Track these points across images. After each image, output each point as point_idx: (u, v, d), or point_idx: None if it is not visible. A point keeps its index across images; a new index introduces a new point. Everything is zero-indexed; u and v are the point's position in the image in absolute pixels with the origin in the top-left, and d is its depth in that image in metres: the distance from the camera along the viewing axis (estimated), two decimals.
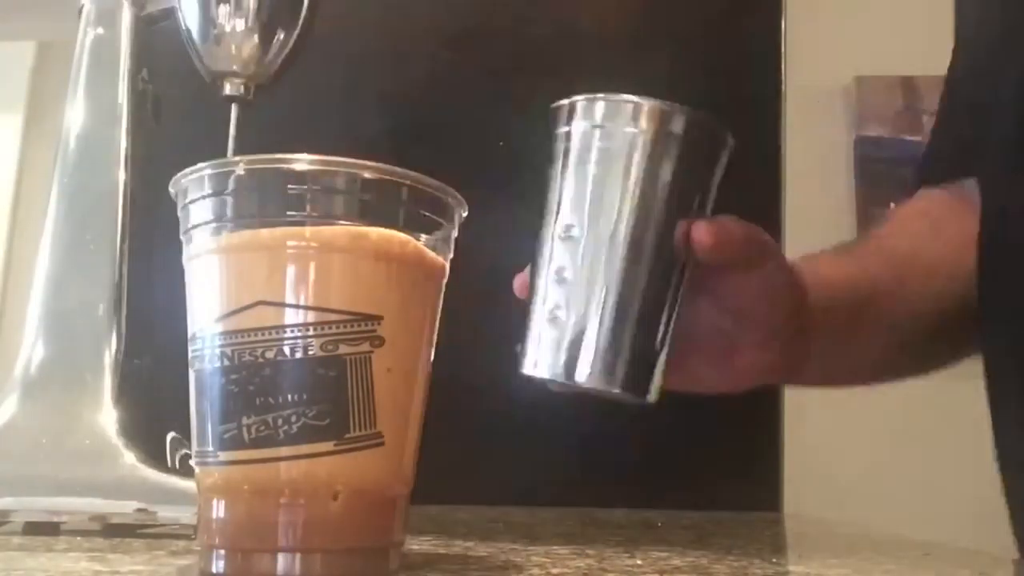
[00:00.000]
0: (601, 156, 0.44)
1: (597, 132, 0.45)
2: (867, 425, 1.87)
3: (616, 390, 0.45)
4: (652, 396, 0.47)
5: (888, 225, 0.67)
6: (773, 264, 0.49)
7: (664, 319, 0.45)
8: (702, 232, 0.45)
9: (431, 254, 0.37)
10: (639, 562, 0.43)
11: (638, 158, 0.44)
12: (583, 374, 0.43)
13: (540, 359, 0.44)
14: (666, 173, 0.44)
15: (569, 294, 0.44)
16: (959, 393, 2.00)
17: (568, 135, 0.45)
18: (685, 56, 0.96)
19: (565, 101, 0.46)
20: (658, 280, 0.45)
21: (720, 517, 0.75)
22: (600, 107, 0.45)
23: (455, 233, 0.39)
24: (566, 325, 0.43)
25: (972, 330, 0.62)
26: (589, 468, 0.87)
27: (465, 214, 0.39)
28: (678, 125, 0.45)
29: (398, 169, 0.36)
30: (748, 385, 0.52)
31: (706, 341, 0.50)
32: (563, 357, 0.43)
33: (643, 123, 0.44)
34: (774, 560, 0.49)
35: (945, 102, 0.69)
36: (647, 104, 0.44)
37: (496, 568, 0.40)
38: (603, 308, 0.44)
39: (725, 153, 0.47)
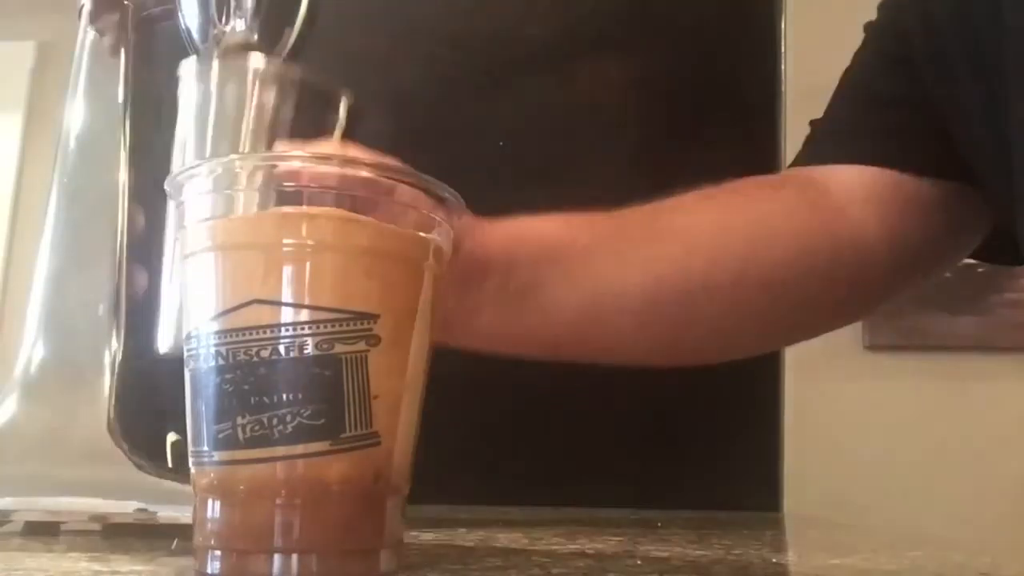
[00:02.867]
0: None
1: None
2: (867, 425, 1.86)
3: None
4: None
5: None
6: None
7: None
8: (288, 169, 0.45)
9: (428, 252, 0.37)
10: (639, 562, 0.43)
11: None
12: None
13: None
14: None
15: None
16: (959, 393, 2.00)
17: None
18: (684, 56, 0.96)
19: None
20: None
21: (720, 517, 0.75)
22: None
23: (453, 232, 0.39)
24: None
25: (751, 317, 0.56)
26: (589, 468, 0.87)
27: (463, 213, 0.39)
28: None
29: (395, 167, 0.36)
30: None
31: None
32: None
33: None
34: (774, 560, 0.49)
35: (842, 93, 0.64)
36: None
37: (496, 568, 0.40)
38: None
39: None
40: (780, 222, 0.57)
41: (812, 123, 0.64)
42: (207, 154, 0.49)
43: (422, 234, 0.36)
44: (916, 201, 0.58)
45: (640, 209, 0.57)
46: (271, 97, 0.49)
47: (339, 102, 0.51)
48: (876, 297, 0.64)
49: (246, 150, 0.48)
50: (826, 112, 0.64)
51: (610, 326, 0.56)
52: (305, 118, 0.48)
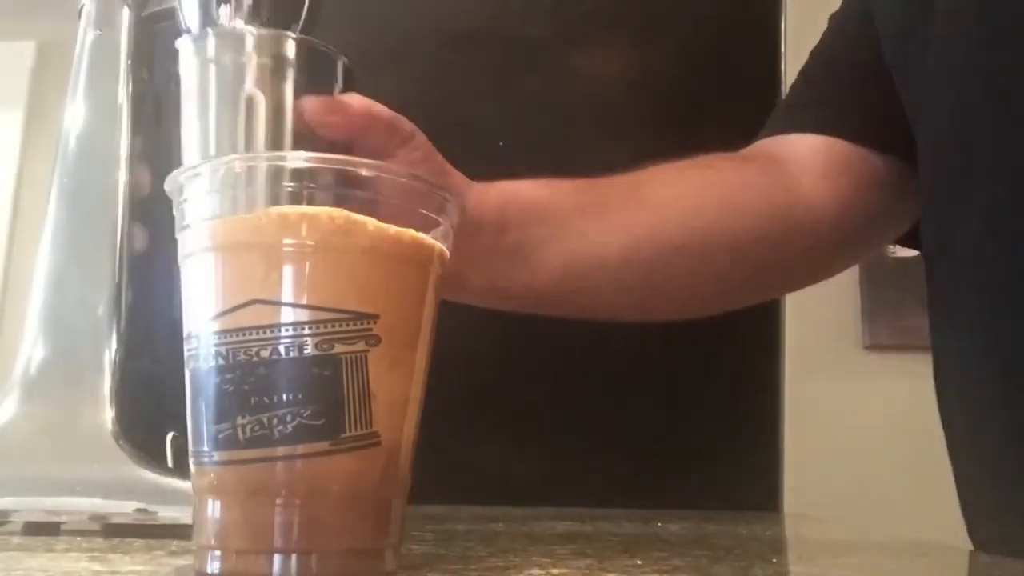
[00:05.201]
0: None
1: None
2: (867, 425, 1.87)
3: None
4: None
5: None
6: (413, 153, 0.51)
7: None
8: (312, 103, 0.48)
9: (429, 252, 0.37)
10: (639, 562, 0.43)
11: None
12: None
13: None
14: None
15: None
16: None
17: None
18: (685, 56, 0.96)
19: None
20: None
21: (720, 517, 0.75)
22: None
23: (453, 231, 0.39)
24: None
25: (708, 282, 0.62)
26: (588, 468, 0.87)
27: (463, 212, 0.39)
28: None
29: (395, 166, 0.36)
30: None
31: None
32: None
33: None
34: (774, 560, 0.49)
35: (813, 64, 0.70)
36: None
37: (496, 568, 0.40)
38: None
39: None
40: (744, 194, 0.63)
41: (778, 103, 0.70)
42: (211, 121, 0.49)
43: (422, 235, 0.36)
44: (866, 175, 0.64)
45: (622, 177, 0.62)
46: (269, 61, 0.49)
47: (336, 65, 0.51)
48: (823, 266, 0.69)
49: (249, 118, 0.49)
50: (790, 90, 0.70)
51: (590, 283, 0.61)
52: (303, 80, 0.49)
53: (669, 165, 0.63)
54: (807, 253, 0.65)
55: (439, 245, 0.37)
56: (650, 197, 0.61)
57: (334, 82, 0.51)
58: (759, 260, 0.64)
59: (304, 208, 0.34)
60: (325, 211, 0.34)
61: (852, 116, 0.64)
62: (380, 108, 0.50)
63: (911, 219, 0.65)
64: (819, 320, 1.85)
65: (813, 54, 0.69)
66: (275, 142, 0.48)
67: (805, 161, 0.64)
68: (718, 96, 0.95)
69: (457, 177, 0.55)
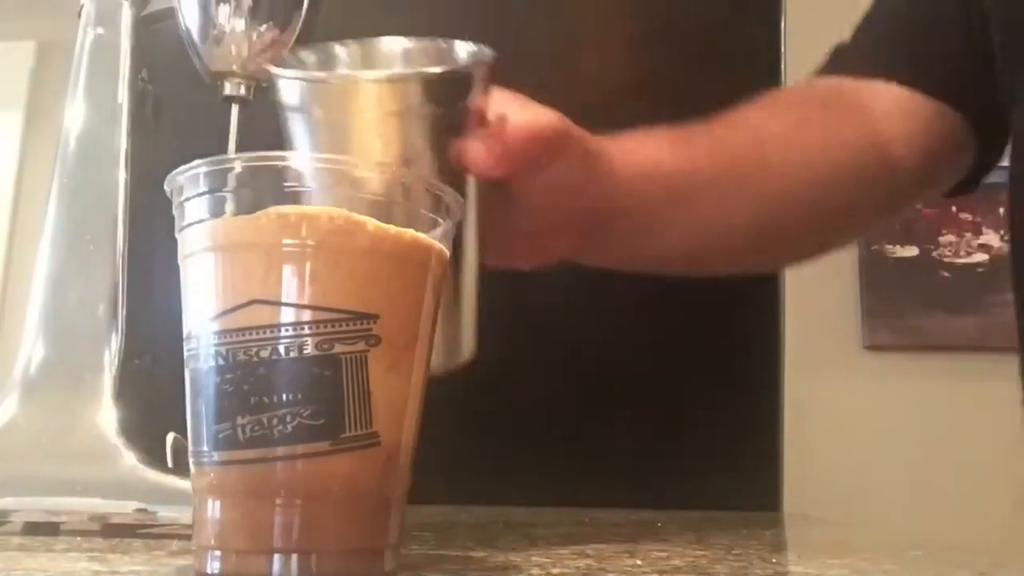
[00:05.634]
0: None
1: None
2: (867, 425, 1.87)
3: (459, 364, 0.46)
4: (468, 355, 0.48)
5: (748, 109, 0.66)
6: (565, 163, 0.50)
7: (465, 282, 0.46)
8: (482, 155, 0.45)
9: (428, 252, 0.37)
10: (639, 562, 0.43)
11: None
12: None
13: None
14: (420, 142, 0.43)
15: None
16: (959, 393, 2.00)
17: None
18: (684, 56, 0.96)
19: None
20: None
21: (720, 517, 0.75)
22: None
23: (453, 231, 0.39)
24: None
25: (808, 236, 0.66)
26: (588, 468, 0.87)
27: (463, 212, 0.39)
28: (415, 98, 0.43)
29: (394, 166, 0.36)
30: (551, 261, 0.55)
31: (503, 228, 0.51)
32: None
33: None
34: (774, 560, 0.49)
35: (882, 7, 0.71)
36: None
37: (496, 568, 0.40)
38: None
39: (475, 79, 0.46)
40: (842, 151, 0.65)
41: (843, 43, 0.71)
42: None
43: (422, 235, 0.36)
44: (943, 130, 0.66)
45: (747, 128, 0.64)
46: (397, 109, 0.43)
47: (472, 79, 0.46)
48: (899, 204, 0.75)
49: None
50: (863, 25, 0.71)
51: (717, 251, 0.65)
52: (440, 113, 0.44)
53: (769, 113, 0.66)
54: (890, 192, 0.69)
55: (439, 245, 0.37)
56: (777, 163, 0.63)
57: (478, 92, 0.46)
58: (858, 208, 0.68)
59: (304, 208, 0.34)
60: (325, 211, 0.34)
61: (934, 70, 0.66)
62: (535, 124, 0.48)
63: (964, 173, 0.69)
64: (819, 320, 1.86)
65: None
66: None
67: (891, 113, 0.66)
68: (718, 97, 0.94)
69: (616, 170, 0.55)
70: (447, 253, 0.38)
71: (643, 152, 0.58)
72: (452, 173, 0.45)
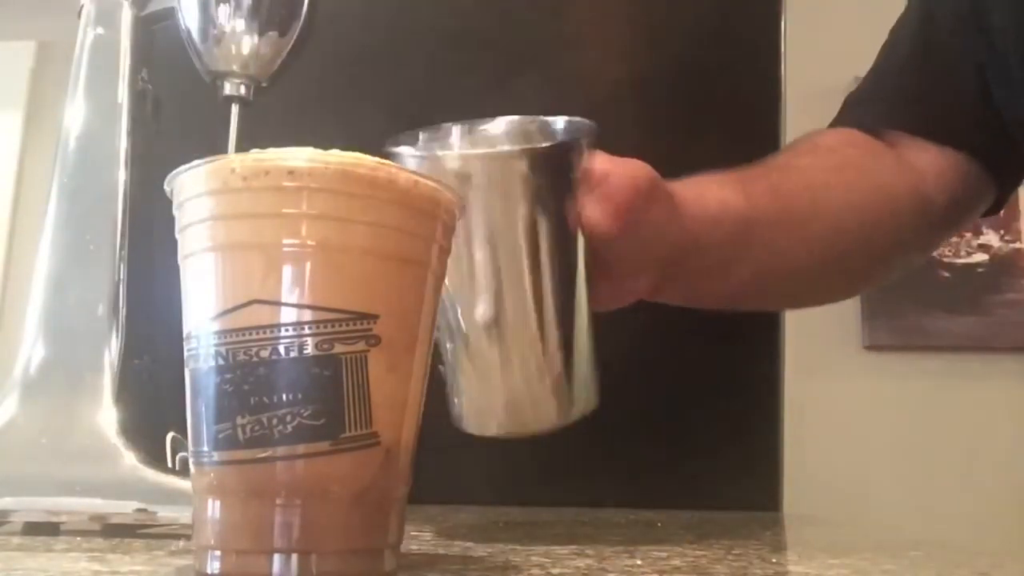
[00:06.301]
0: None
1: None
2: (867, 425, 1.87)
3: (575, 417, 0.48)
4: (595, 401, 0.50)
5: (793, 154, 0.70)
6: (656, 208, 0.52)
7: (586, 331, 0.49)
8: (598, 215, 0.48)
9: (428, 252, 0.37)
10: (639, 562, 0.43)
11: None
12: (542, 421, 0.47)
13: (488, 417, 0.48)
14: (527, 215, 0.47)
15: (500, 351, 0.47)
16: (959, 393, 2.00)
17: None
18: (685, 56, 0.96)
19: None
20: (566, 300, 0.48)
21: (720, 517, 0.75)
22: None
23: (452, 231, 0.39)
24: (503, 381, 0.45)
25: (862, 275, 0.72)
26: (589, 468, 0.87)
27: (462, 212, 0.39)
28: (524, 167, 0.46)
29: (394, 165, 0.36)
30: (631, 302, 0.57)
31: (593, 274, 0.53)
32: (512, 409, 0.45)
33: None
34: (774, 560, 0.49)
35: (898, 50, 0.75)
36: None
37: (496, 568, 0.40)
38: (536, 355, 0.47)
39: (581, 151, 0.49)
40: (886, 199, 0.70)
41: (865, 82, 0.75)
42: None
43: (421, 234, 0.36)
44: (967, 177, 0.71)
45: (798, 175, 0.67)
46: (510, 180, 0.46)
47: (579, 147, 0.49)
48: (926, 248, 0.80)
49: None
50: (886, 70, 0.75)
51: (772, 291, 0.69)
52: (545, 184, 0.47)
53: (819, 159, 0.70)
54: (920, 232, 0.73)
55: (439, 245, 0.37)
56: (828, 209, 0.67)
57: (579, 160, 0.49)
58: (895, 251, 0.73)
59: (304, 208, 0.34)
60: (324, 211, 0.34)
61: (951, 124, 0.71)
62: (634, 176, 0.51)
63: (987, 205, 0.75)
64: (819, 320, 1.85)
65: (910, 36, 0.74)
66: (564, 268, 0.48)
67: (921, 159, 0.70)
68: (718, 98, 0.95)
69: (691, 212, 0.57)
70: (447, 253, 0.38)
71: (710, 194, 0.60)
72: (566, 235, 0.48)
